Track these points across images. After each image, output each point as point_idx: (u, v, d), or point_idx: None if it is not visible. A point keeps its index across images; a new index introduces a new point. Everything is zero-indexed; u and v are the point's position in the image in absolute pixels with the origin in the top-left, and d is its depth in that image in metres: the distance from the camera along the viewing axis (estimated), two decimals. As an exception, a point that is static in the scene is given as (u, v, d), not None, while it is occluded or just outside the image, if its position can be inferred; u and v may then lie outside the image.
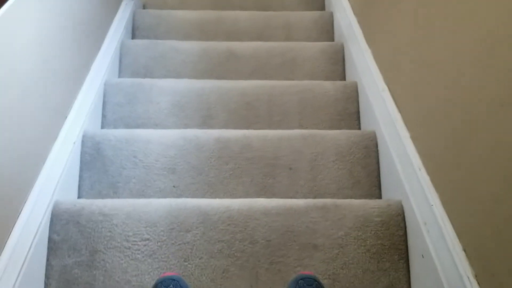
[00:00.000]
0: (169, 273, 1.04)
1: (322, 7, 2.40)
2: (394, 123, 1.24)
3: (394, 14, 1.30)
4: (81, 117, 1.37)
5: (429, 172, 1.05)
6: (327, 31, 2.13)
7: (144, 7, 2.36)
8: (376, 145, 1.39)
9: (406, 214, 1.14)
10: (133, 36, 2.09)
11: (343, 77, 1.85)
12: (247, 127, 1.58)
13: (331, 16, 2.15)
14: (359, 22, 1.70)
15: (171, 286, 0.98)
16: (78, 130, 1.33)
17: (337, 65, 1.87)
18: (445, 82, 0.96)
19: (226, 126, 1.58)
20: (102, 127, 1.56)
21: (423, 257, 1.01)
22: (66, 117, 1.28)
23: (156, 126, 1.57)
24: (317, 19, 2.15)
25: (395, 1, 1.29)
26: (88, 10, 1.49)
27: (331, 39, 2.11)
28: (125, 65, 1.84)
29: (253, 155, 1.37)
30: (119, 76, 1.82)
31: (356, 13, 1.75)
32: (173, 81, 1.67)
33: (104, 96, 1.59)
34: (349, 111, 1.62)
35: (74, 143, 1.29)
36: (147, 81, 1.65)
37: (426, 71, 1.06)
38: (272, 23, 2.14)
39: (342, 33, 1.92)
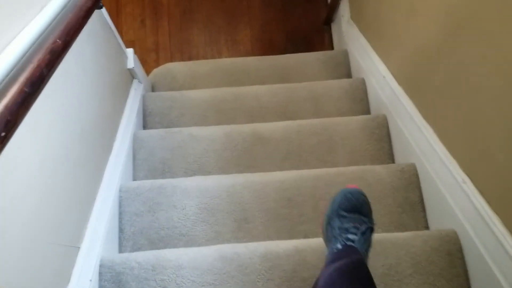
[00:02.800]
0: None
1: (347, 74, 2.25)
2: (488, 224, 1.02)
3: (473, 86, 1.12)
4: (96, 243, 1.15)
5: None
6: (361, 100, 1.96)
7: (153, 88, 2.20)
8: (461, 250, 1.16)
9: None
10: (145, 124, 1.91)
11: (390, 156, 1.65)
12: (291, 230, 1.37)
13: (363, 84, 1.98)
14: (408, 93, 1.52)
15: None
16: (94, 261, 1.11)
17: (382, 141, 1.68)
18: None
19: (266, 230, 1.37)
20: (120, 244, 1.34)
21: None
22: (79, 248, 1.07)
23: (182, 236, 1.35)
24: (348, 88, 1.99)
25: (470, 71, 1.11)
26: (98, 109, 1.32)
27: (366, 109, 1.94)
28: (139, 160, 1.65)
29: (311, 274, 1.14)
30: (134, 175, 1.62)
31: (401, 83, 1.58)
32: (199, 180, 1.47)
33: (120, 205, 1.39)
34: (411, 201, 1.40)
35: (91, 280, 1.06)
36: (168, 182, 1.45)
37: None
38: (296, 96, 1.97)
39: (382, 103, 1.74)
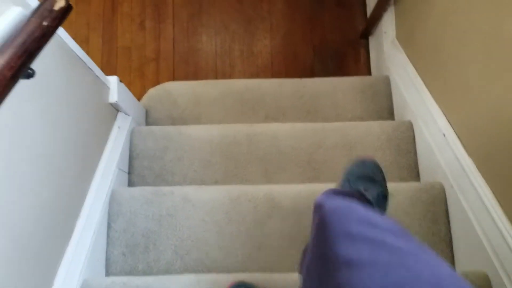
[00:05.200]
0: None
1: (389, 108, 1.85)
2: None
3: None
4: None
5: None
6: (407, 152, 1.57)
7: (147, 114, 1.83)
8: None
9: None
10: (130, 169, 1.56)
11: (449, 245, 1.28)
12: None
13: (410, 130, 1.59)
14: (482, 171, 1.13)
15: None
16: None
17: (438, 223, 1.30)
18: None
19: None
20: None
21: None
22: None
23: None
24: (391, 134, 1.60)
25: None
26: (41, 189, 0.96)
27: (414, 164, 1.55)
28: (116, 232, 1.30)
29: None
30: (107, 252, 1.27)
31: (472, 154, 1.19)
32: (187, 281, 1.11)
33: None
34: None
35: None
36: (144, 283, 1.09)
37: None
38: (325, 142, 1.59)
39: (439, 168, 1.36)
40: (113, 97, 1.42)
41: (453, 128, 1.30)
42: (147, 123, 1.83)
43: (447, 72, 1.33)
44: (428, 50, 1.49)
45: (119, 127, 1.49)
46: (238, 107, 1.87)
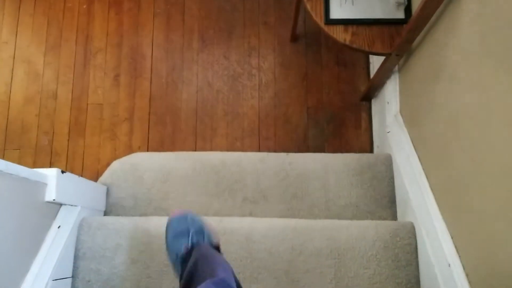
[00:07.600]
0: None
1: (390, 194, 1.60)
2: None
3: None
4: None
5: None
6: (407, 264, 1.32)
7: (108, 193, 1.61)
8: None
9: None
10: (74, 271, 1.32)
11: None
12: None
13: (412, 236, 1.35)
14: None
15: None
16: None
17: None
18: None
19: None
20: None
21: None
22: None
23: None
24: (388, 240, 1.35)
25: None
26: None
27: (415, 281, 1.30)
28: None
29: None
30: None
31: None
32: None
33: None
34: None
35: None
36: None
37: None
38: (310, 246, 1.35)
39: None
40: (51, 195, 1.20)
41: (461, 261, 1.05)
42: (108, 203, 1.61)
43: (459, 190, 1.09)
44: (436, 150, 1.25)
45: (59, 227, 1.26)
46: (213, 187, 1.64)
